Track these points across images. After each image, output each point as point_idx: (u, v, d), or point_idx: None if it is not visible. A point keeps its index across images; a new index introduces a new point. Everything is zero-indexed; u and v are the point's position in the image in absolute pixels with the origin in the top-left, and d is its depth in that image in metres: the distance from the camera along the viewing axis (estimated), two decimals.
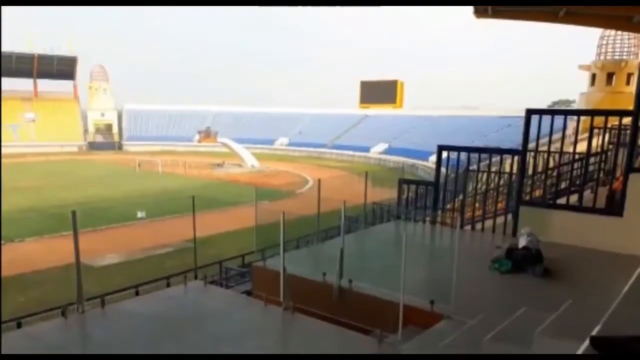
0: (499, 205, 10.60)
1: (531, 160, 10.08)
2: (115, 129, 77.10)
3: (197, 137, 74.90)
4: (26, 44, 70.73)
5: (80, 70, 76.97)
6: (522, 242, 7.62)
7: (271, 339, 5.62)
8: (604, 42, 38.11)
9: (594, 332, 3.02)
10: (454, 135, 48.76)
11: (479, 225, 10.43)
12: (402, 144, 58.97)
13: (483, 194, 11.23)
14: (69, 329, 5.51)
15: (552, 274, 7.18)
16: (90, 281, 12.33)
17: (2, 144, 51.87)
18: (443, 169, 11.15)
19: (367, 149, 62.18)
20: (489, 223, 10.42)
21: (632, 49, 37.54)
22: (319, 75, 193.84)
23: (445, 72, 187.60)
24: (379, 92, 76.90)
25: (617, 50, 37.92)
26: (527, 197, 9.80)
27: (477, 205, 12.20)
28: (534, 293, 6.68)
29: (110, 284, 13.13)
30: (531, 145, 9.38)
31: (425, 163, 46.67)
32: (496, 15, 8.09)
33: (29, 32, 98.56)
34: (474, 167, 10.78)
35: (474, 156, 10.69)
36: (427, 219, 10.85)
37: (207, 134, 73.02)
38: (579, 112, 12.06)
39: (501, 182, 11.20)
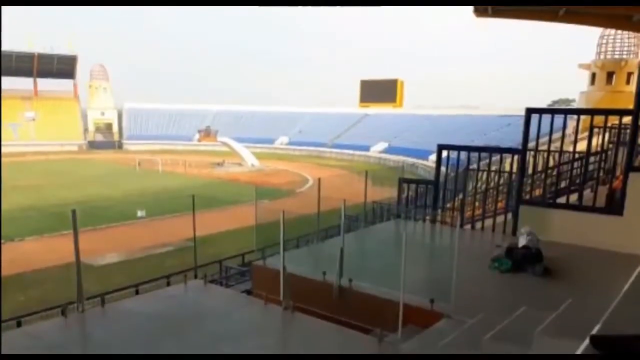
0: (499, 204, 10.60)
1: (531, 160, 10.09)
2: (115, 128, 77.04)
3: (197, 136, 74.84)
4: (26, 44, 70.62)
5: (80, 70, 77.06)
6: (522, 241, 7.62)
7: (271, 338, 5.62)
8: (604, 41, 38.02)
9: (594, 331, 3.02)
10: (454, 134, 48.85)
11: (478, 224, 10.44)
12: (402, 143, 58.87)
13: (483, 193, 11.24)
14: (69, 328, 5.51)
15: (552, 273, 7.18)
16: (90, 280, 12.35)
17: (2, 142, 51.71)
18: (443, 168, 11.15)
19: (367, 148, 62.15)
20: (488, 222, 10.43)
21: (632, 48, 37.44)
22: (319, 75, 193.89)
23: (445, 72, 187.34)
24: (379, 91, 76.74)
25: (617, 49, 37.82)
26: (527, 196, 9.81)
27: (477, 204, 12.21)
28: (534, 292, 6.67)
29: (110, 283, 13.14)
30: (531, 144, 9.37)
31: (425, 162, 46.63)
32: (496, 14, 8.10)
33: (29, 31, 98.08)
34: (474, 166, 10.80)
35: (474, 155, 10.71)
36: (427, 218, 10.86)
37: (207, 133, 72.95)
38: (578, 111, 12.05)
39: (501, 181, 11.20)
